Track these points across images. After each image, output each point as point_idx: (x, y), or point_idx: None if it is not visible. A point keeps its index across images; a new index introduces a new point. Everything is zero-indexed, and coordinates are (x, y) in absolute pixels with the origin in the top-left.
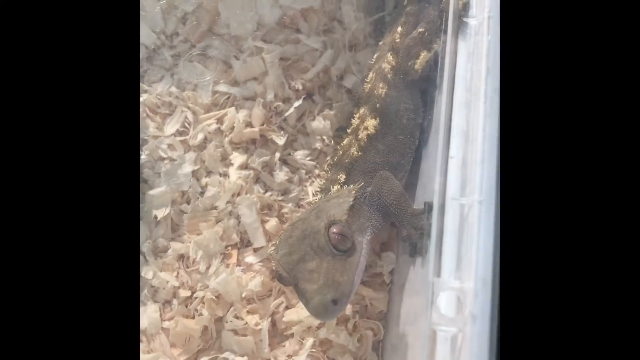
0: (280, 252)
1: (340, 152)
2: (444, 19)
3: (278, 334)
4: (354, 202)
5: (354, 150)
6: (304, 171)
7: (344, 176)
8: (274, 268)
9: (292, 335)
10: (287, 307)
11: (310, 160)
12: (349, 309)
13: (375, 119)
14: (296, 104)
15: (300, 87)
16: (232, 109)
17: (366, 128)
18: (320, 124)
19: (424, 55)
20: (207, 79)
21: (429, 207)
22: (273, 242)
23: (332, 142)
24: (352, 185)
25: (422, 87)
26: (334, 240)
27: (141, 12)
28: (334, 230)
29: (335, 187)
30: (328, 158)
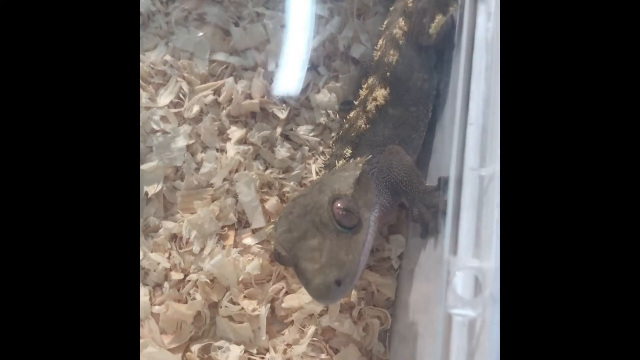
0: (280, 229)
1: (347, 126)
2: None
3: (277, 321)
4: (361, 176)
5: (361, 123)
6: (307, 147)
7: (350, 150)
8: (273, 247)
9: (292, 322)
10: (287, 293)
11: (313, 135)
12: (354, 296)
13: (385, 89)
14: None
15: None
16: (231, 79)
17: (375, 99)
18: (325, 97)
19: (439, 19)
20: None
21: (443, 182)
22: (273, 221)
23: (338, 116)
24: (359, 158)
25: (435, 55)
26: (339, 215)
27: None
28: (339, 205)
29: (341, 162)
30: (333, 134)
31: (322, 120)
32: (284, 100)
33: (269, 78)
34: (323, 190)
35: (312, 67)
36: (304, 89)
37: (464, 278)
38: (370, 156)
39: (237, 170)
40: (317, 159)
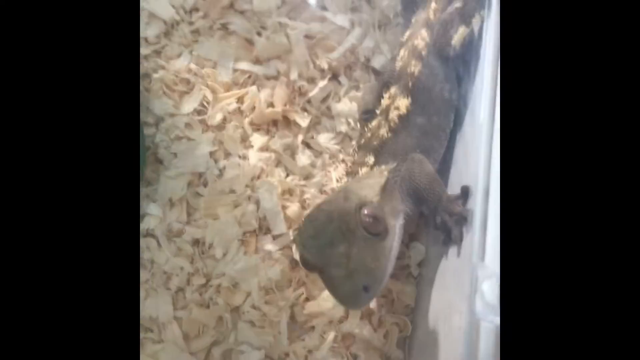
0: (305, 235)
1: (369, 134)
2: None
3: (298, 327)
4: (386, 184)
5: (383, 132)
6: (327, 155)
7: (372, 158)
8: (297, 253)
9: (312, 328)
10: (307, 299)
11: (334, 144)
12: (373, 303)
13: (407, 99)
14: (321, 84)
15: (326, 67)
16: (254, 88)
17: (397, 108)
18: (346, 106)
19: (462, 31)
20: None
21: (465, 191)
22: (295, 227)
23: (358, 125)
24: (383, 166)
25: (458, 65)
26: (366, 222)
27: None
28: (366, 212)
29: (364, 170)
30: (353, 142)
31: (343, 128)
32: (305, 109)
33: (292, 86)
34: (349, 197)
35: (333, 77)
36: (325, 98)
37: (492, 285)
38: (395, 164)
39: (259, 177)
40: (337, 167)
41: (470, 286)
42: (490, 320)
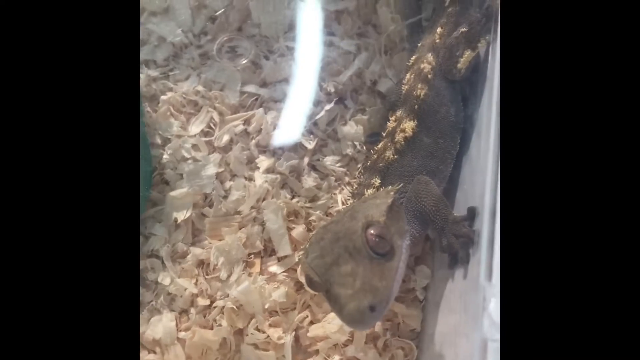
0: (311, 255)
1: (375, 156)
2: (490, 15)
3: (302, 350)
4: (392, 204)
5: (389, 154)
6: (333, 178)
7: (378, 180)
8: (302, 274)
9: (317, 352)
10: (311, 322)
11: (340, 166)
12: (378, 326)
13: (413, 121)
14: (327, 107)
15: (332, 90)
16: (261, 110)
17: (403, 130)
18: (352, 129)
19: (467, 55)
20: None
21: (472, 212)
22: (302, 247)
23: (364, 148)
24: (390, 187)
25: (464, 88)
26: (372, 242)
27: (170, 10)
28: (372, 231)
29: (370, 191)
30: (359, 165)
31: (349, 151)
32: (311, 132)
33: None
34: (355, 217)
35: (340, 100)
36: (331, 121)
37: (496, 304)
38: (402, 184)
39: (264, 199)
40: (343, 189)
41: (477, 306)
42: (496, 339)
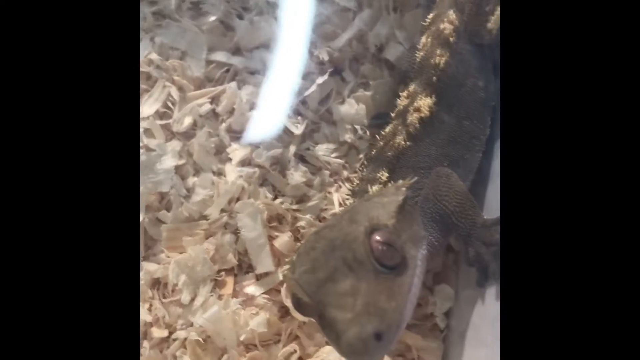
0: (299, 269)
1: (382, 143)
2: None
3: None
4: (404, 203)
5: (400, 140)
6: (327, 172)
7: (386, 174)
8: (289, 294)
9: None
10: (300, 358)
11: (336, 157)
12: None
13: (431, 98)
14: (320, 80)
15: (326, 59)
16: (233, 84)
17: (418, 110)
18: (351, 108)
19: (500, 11)
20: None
21: None
22: (287, 260)
23: (368, 133)
24: (400, 181)
25: (495, 56)
26: (378, 251)
27: None
28: (378, 237)
29: (375, 187)
30: (361, 156)
31: (348, 137)
32: (299, 113)
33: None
34: (356, 220)
35: (335, 71)
36: (325, 99)
37: None
38: (416, 178)
39: (238, 199)
40: (340, 187)
41: None
42: None
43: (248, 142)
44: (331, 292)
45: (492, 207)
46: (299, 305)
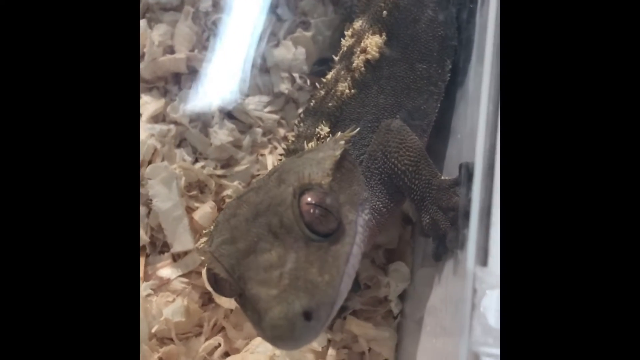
0: (217, 240)
1: (322, 92)
2: None
3: None
4: (342, 159)
5: (344, 87)
6: (260, 130)
7: (326, 128)
8: (205, 268)
9: None
10: (226, 353)
11: (270, 111)
12: (331, 357)
13: (380, 36)
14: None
15: None
16: (143, 23)
17: (364, 50)
18: (288, 52)
19: None
20: None
21: (467, 171)
22: (206, 231)
23: (308, 82)
24: (339, 133)
25: None
26: (309, 215)
27: None
28: (309, 199)
29: (312, 144)
30: (301, 109)
31: (284, 87)
32: None
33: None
34: (285, 180)
35: (270, 8)
36: (258, 41)
37: (497, 301)
38: (358, 129)
39: (150, 162)
40: (275, 148)
41: (468, 305)
42: (493, 354)
43: (162, 93)
44: (253, 265)
45: (451, 166)
46: (215, 282)
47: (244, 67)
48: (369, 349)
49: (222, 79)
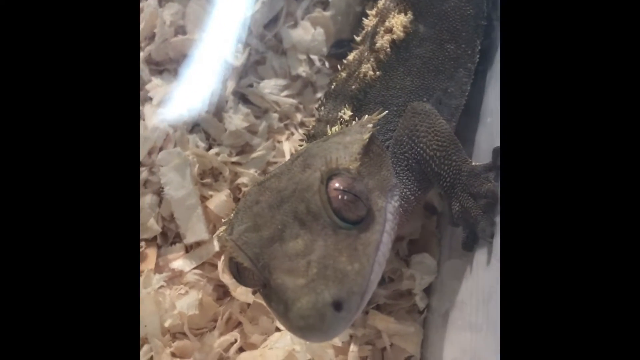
0: (238, 228)
1: (344, 74)
2: None
3: None
4: (370, 143)
5: (367, 69)
6: (276, 115)
7: (349, 112)
8: (226, 257)
9: None
10: (242, 349)
11: (287, 95)
12: (353, 354)
13: (406, 15)
14: None
15: None
16: (153, 2)
17: (389, 31)
18: (306, 33)
19: None
20: None
21: (498, 157)
22: (226, 219)
23: (327, 65)
24: (367, 116)
25: None
26: (338, 201)
27: None
28: (337, 185)
29: (336, 128)
30: (320, 93)
31: (302, 70)
32: (240, 39)
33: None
34: (311, 165)
35: None
36: (272, 22)
37: None
38: (386, 112)
39: (161, 149)
40: (292, 134)
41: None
42: None
43: (173, 76)
44: (279, 253)
45: (481, 151)
46: (238, 272)
47: (259, 49)
48: (391, 345)
49: (237, 60)
